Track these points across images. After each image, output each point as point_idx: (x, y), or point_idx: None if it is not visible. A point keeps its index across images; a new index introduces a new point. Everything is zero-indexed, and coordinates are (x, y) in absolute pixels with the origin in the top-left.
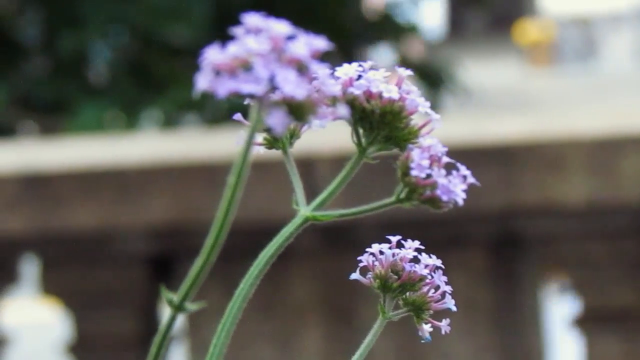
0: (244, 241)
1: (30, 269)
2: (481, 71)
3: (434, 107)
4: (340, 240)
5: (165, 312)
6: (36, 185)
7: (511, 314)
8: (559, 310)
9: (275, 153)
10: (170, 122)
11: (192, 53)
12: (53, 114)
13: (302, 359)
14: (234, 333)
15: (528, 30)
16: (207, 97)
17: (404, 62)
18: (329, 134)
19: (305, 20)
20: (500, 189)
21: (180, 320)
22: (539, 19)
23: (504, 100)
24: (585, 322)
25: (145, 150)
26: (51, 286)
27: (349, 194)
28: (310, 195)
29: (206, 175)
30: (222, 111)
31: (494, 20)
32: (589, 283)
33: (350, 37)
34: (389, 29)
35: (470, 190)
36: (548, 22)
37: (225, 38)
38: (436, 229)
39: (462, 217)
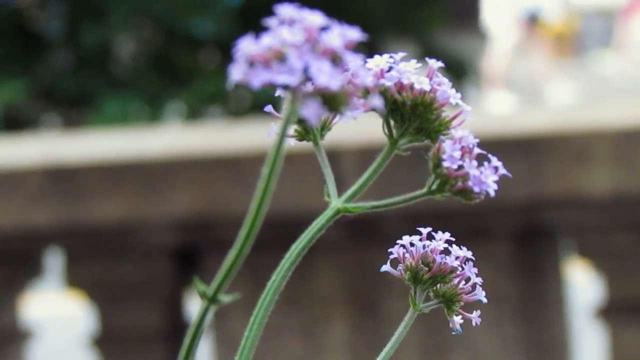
0: (269, 233)
1: (55, 262)
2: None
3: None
4: (366, 232)
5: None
6: (61, 178)
7: (536, 305)
8: (585, 301)
9: (301, 145)
10: (194, 114)
11: (215, 45)
12: (77, 107)
13: (329, 351)
14: None
15: (552, 22)
16: (231, 89)
17: (428, 54)
18: (354, 126)
19: (329, 11)
20: (526, 180)
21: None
22: (563, 10)
23: (528, 91)
24: (611, 313)
25: (169, 143)
26: (76, 279)
27: (372, 186)
28: (336, 187)
29: (230, 168)
30: (246, 103)
31: None
32: (614, 274)
33: (375, 28)
34: (414, 20)
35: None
36: (572, 13)
37: (248, 30)
38: (461, 220)
39: (487, 208)
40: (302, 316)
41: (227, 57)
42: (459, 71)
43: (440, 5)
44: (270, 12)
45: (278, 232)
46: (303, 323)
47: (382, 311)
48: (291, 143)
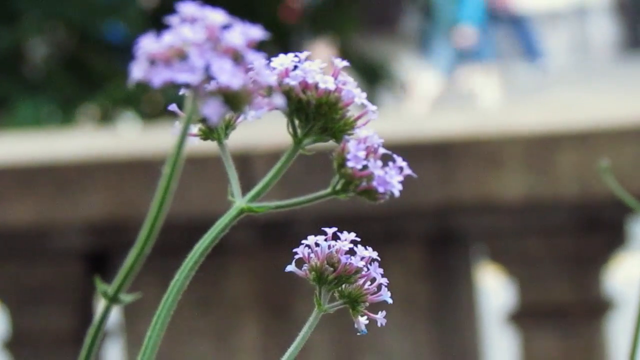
0: (183, 237)
1: None
2: (419, 67)
3: (371, 102)
4: (277, 236)
5: (100, 305)
6: None
7: (448, 310)
8: (497, 306)
9: (216, 148)
10: (107, 117)
11: (128, 49)
12: None
13: (240, 355)
14: (171, 329)
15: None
16: (144, 92)
17: (343, 56)
18: (266, 129)
19: (242, 12)
20: (437, 185)
21: (117, 315)
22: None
23: (443, 97)
24: (523, 318)
25: (82, 146)
26: None
27: (288, 189)
28: (247, 191)
29: (143, 171)
30: (159, 107)
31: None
32: (526, 279)
33: (288, 29)
34: (328, 22)
35: (407, 185)
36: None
37: (161, 33)
38: (373, 224)
39: (399, 212)
40: (214, 320)
41: None
42: (373, 76)
43: (354, 10)
44: None
45: (190, 235)
46: (214, 327)
47: (293, 314)
48: (195, 142)
